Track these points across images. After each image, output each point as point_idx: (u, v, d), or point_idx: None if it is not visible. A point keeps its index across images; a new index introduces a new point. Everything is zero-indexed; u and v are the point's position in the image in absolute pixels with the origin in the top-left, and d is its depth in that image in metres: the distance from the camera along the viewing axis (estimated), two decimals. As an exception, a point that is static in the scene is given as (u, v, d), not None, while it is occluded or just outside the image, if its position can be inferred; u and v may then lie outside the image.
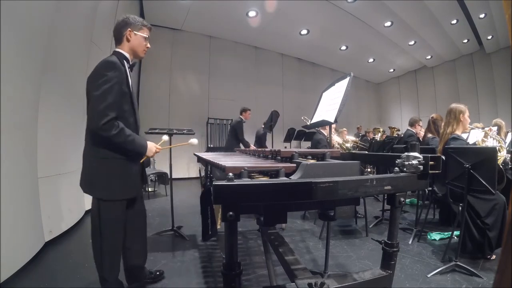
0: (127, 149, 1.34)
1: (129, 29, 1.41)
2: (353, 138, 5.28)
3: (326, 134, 3.32)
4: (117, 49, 1.43)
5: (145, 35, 1.46)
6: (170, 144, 2.05)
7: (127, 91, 1.36)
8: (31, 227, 2.05)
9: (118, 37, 1.43)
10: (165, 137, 1.68)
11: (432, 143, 2.95)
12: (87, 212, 3.25)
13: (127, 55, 1.43)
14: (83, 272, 1.87)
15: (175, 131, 2.55)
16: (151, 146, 1.46)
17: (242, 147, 4.28)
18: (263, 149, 1.42)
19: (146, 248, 1.68)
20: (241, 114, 4.62)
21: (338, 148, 4.40)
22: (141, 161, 1.49)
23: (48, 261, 2.04)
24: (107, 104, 1.23)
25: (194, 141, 1.79)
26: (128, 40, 1.42)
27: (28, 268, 1.87)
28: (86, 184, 1.39)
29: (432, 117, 3.12)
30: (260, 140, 5.45)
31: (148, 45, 1.49)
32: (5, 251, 1.63)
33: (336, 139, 4.48)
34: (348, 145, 4.73)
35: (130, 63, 1.45)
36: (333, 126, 2.19)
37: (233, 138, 4.47)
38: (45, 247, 2.20)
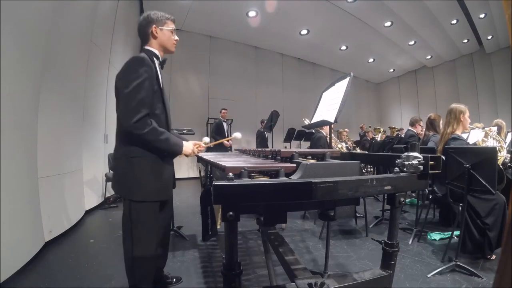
0: (160, 148, 1.26)
1: (154, 25, 1.36)
2: (350, 142, 5.28)
3: (325, 134, 3.32)
4: (146, 47, 1.38)
5: (171, 28, 1.40)
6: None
7: (157, 88, 1.30)
8: (31, 227, 2.05)
9: (144, 36, 1.38)
10: (206, 139, 1.55)
11: (432, 140, 2.94)
12: (87, 212, 3.26)
13: (156, 52, 1.38)
14: (83, 272, 1.86)
15: (175, 131, 2.54)
16: (188, 145, 1.36)
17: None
18: (263, 149, 1.42)
19: (167, 253, 1.65)
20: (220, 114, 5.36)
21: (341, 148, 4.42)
22: (180, 156, 1.37)
23: (48, 261, 2.04)
24: (138, 101, 1.17)
25: (237, 135, 1.68)
26: (155, 37, 1.37)
27: (28, 268, 1.87)
28: (117, 185, 1.32)
29: (429, 117, 3.11)
30: (262, 140, 5.55)
31: (176, 38, 1.44)
32: (5, 251, 1.63)
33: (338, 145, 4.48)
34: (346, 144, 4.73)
35: (160, 60, 1.39)
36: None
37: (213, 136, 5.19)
38: (45, 247, 2.20)
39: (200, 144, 1.44)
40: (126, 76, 1.21)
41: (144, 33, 1.38)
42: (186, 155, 1.36)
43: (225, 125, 5.20)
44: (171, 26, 1.41)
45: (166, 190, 1.37)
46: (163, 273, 1.67)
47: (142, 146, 1.24)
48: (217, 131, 5.11)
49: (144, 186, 1.26)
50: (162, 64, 1.41)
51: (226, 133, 5.20)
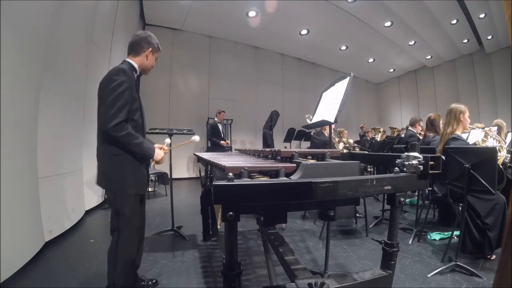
0: (134, 151, 1.40)
1: (151, 49, 1.53)
2: (351, 142, 5.28)
3: (327, 135, 3.32)
4: (129, 60, 1.51)
5: (156, 57, 1.59)
6: (172, 145, 2.04)
7: (136, 97, 1.46)
8: (31, 227, 2.05)
9: (137, 50, 1.51)
10: (167, 140, 1.75)
11: (433, 141, 2.94)
12: (87, 212, 3.26)
13: (136, 66, 1.52)
14: (83, 272, 1.87)
15: (175, 131, 2.55)
16: (159, 151, 1.51)
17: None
18: (263, 149, 1.42)
19: (142, 252, 1.64)
20: (215, 116, 5.26)
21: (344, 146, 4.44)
22: (152, 165, 1.55)
23: (48, 261, 2.04)
24: (118, 107, 1.32)
25: (196, 138, 1.82)
26: (145, 58, 1.53)
27: (28, 268, 1.87)
28: (103, 181, 1.45)
29: (429, 117, 3.11)
30: (266, 140, 5.57)
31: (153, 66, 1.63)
32: (5, 251, 1.63)
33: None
34: (351, 140, 4.74)
35: (137, 74, 1.54)
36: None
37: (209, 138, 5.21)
38: (45, 247, 2.20)
39: (163, 147, 1.58)
40: (109, 85, 1.36)
41: (137, 47, 1.52)
42: (157, 161, 1.51)
43: (220, 126, 5.13)
44: (157, 55, 1.60)
45: (143, 185, 1.52)
46: (136, 274, 1.63)
47: (120, 146, 1.38)
48: (213, 133, 5.04)
49: (125, 181, 1.40)
50: (138, 78, 1.57)
51: (222, 135, 5.15)
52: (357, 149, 4.99)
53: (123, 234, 1.41)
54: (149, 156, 1.47)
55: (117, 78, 1.36)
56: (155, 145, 1.53)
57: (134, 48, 1.52)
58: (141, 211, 1.57)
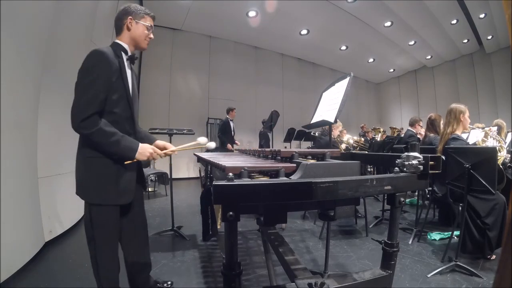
0: (109, 152, 1.18)
1: (130, 17, 1.31)
2: (355, 138, 5.28)
3: (333, 135, 3.31)
4: (116, 40, 1.33)
5: (148, 24, 1.34)
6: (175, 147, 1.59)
7: (120, 84, 1.23)
8: (31, 227, 2.05)
9: (118, 27, 1.33)
10: (203, 139, 1.44)
11: (435, 142, 2.94)
12: (87, 212, 3.26)
13: (126, 46, 1.32)
14: (83, 272, 1.86)
15: (175, 131, 2.55)
16: (144, 150, 1.25)
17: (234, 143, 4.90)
18: (263, 149, 1.42)
19: (150, 259, 1.57)
20: (227, 113, 5.12)
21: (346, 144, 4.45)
22: (126, 162, 1.24)
23: (48, 261, 2.04)
24: (87, 99, 1.11)
25: (211, 144, 1.47)
26: (128, 29, 1.32)
27: (28, 268, 1.87)
28: (77, 187, 1.25)
29: (430, 117, 3.11)
30: (265, 139, 5.60)
31: (151, 36, 1.38)
32: (5, 251, 1.63)
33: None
34: (351, 141, 4.74)
35: (129, 54, 1.33)
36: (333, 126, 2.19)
37: (219, 136, 5.15)
38: (45, 247, 2.20)
39: (157, 152, 1.30)
40: (80, 73, 1.17)
41: (118, 25, 1.33)
42: (139, 160, 1.26)
43: (232, 124, 5.12)
44: (148, 22, 1.35)
45: (125, 193, 1.27)
46: (150, 279, 1.58)
47: (94, 148, 1.18)
48: (224, 131, 5.03)
49: (100, 189, 1.21)
50: (131, 59, 1.34)
51: (233, 133, 5.15)
52: (361, 141, 5.01)
53: (100, 247, 1.24)
54: (128, 158, 1.21)
55: (87, 65, 1.16)
56: (143, 145, 1.26)
57: (116, 27, 1.33)
58: (132, 218, 1.39)
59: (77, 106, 1.12)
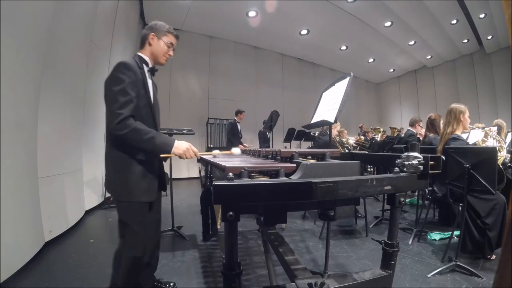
0: (145, 149, 1.26)
1: (152, 33, 1.41)
2: (354, 139, 5.27)
3: (332, 135, 3.31)
4: (138, 53, 1.43)
5: (168, 41, 1.43)
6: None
7: (143, 94, 1.33)
8: (31, 227, 2.05)
9: (142, 41, 1.44)
10: (236, 150, 1.37)
11: (435, 142, 2.94)
12: (87, 212, 3.26)
13: (147, 59, 1.42)
14: (83, 272, 1.86)
15: (175, 131, 2.55)
16: (181, 145, 1.28)
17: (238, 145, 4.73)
18: (263, 149, 1.42)
19: (157, 261, 1.64)
20: (236, 115, 5.11)
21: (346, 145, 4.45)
22: (162, 156, 1.30)
23: (48, 261, 2.04)
24: (120, 104, 1.21)
25: (237, 150, 1.43)
26: (150, 45, 1.42)
27: (28, 268, 1.87)
28: (108, 185, 1.39)
29: (430, 117, 3.11)
30: (263, 138, 5.59)
31: (171, 53, 1.47)
32: (5, 251, 1.63)
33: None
34: (351, 141, 4.74)
35: (150, 67, 1.43)
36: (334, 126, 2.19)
37: (228, 138, 5.09)
38: (45, 247, 2.20)
39: (193, 149, 1.33)
40: (109, 82, 1.27)
41: (142, 38, 1.44)
42: (180, 156, 1.29)
43: (239, 126, 5.10)
44: (170, 39, 1.45)
45: (150, 192, 1.37)
46: (154, 277, 1.64)
47: (125, 149, 1.27)
48: (233, 133, 4.98)
49: (128, 187, 1.29)
50: (152, 71, 1.44)
51: (240, 135, 5.12)
52: (361, 139, 5.00)
53: (126, 243, 1.34)
54: (164, 152, 1.26)
55: (116, 74, 1.26)
56: (180, 142, 1.30)
57: (141, 40, 1.45)
58: (150, 218, 1.46)
59: (111, 112, 1.21)
